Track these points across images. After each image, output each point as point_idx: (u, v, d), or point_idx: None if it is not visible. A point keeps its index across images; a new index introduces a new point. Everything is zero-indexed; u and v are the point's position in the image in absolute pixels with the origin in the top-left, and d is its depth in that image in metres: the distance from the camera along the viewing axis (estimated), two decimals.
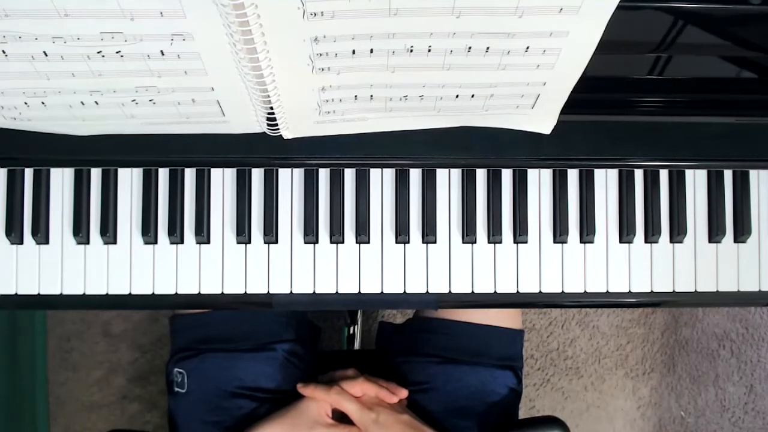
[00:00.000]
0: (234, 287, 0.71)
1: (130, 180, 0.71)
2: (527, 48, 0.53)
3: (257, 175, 0.71)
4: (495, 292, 0.72)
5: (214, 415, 0.83)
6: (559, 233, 0.72)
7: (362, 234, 0.71)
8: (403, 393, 0.83)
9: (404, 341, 0.92)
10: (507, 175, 0.73)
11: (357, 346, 1.27)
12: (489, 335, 0.87)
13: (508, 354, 0.88)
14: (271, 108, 0.58)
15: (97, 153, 0.65)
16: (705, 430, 1.58)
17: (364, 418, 0.78)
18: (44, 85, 0.55)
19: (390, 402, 0.81)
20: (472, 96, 0.59)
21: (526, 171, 0.72)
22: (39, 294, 0.70)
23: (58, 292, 0.70)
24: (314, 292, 0.71)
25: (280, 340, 0.85)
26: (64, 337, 1.47)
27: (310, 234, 0.71)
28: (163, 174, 0.71)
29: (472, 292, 0.72)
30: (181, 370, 0.84)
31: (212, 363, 0.83)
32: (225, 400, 0.83)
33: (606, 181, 0.73)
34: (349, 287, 0.71)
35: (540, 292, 0.73)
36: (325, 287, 0.71)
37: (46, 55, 0.51)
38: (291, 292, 0.71)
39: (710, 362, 1.58)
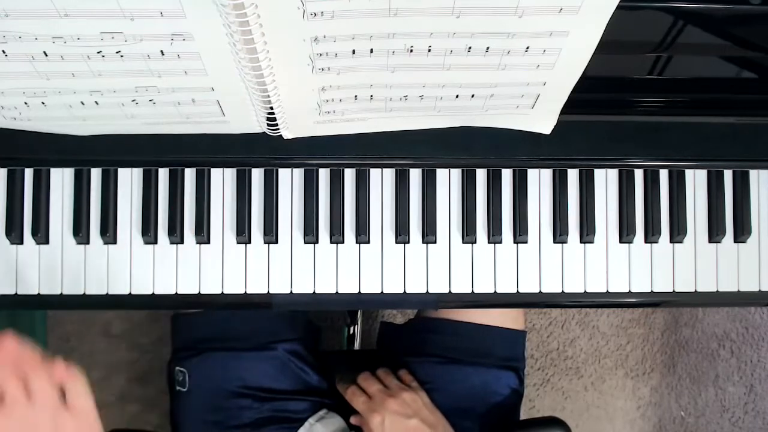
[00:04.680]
0: (234, 287, 0.71)
1: (130, 180, 0.71)
2: (527, 48, 0.53)
3: (257, 175, 0.71)
4: (495, 292, 0.72)
5: (215, 415, 0.83)
6: (559, 233, 0.72)
7: (362, 234, 0.71)
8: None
9: (406, 341, 0.92)
10: (507, 175, 0.73)
11: (357, 346, 1.27)
12: (491, 336, 0.87)
13: (510, 355, 0.88)
14: (271, 108, 0.58)
15: (97, 153, 0.65)
16: (705, 430, 1.58)
17: (371, 420, 0.78)
18: (44, 85, 0.55)
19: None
20: (472, 96, 0.59)
21: (526, 171, 0.72)
22: (39, 294, 0.70)
23: (58, 292, 0.70)
24: (314, 292, 0.71)
25: (280, 339, 0.85)
26: (64, 337, 1.47)
27: (310, 234, 0.71)
28: (163, 174, 0.71)
29: (472, 292, 0.72)
30: (182, 369, 0.84)
31: (213, 362, 0.83)
32: (226, 400, 0.83)
33: (606, 181, 0.73)
34: (349, 287, 0.71)
35: (540, 292, 0.73)
36: (325, 287, 0.71)
37: (46, 55, 0.51)
38: (291, 292, 0.71)
39: (710, 362, 1.58)
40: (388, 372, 0.85)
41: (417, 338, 0.90)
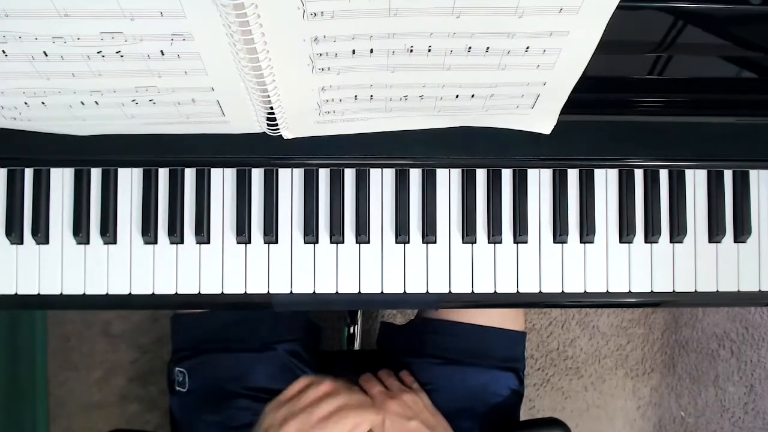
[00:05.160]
0: (234, 287, 0.71)
1: (130, 180, 0.71)
2: (527, 48, 0.53)
3: (257, 175, 0.71)
4: (495, 292, 0.72)
5: (214, 415, 0.83)
6: (559, 233, 0.72)
7: (362, 234, 0.71)
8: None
9: (406, 342, 0.92)
10: (507, 175, 0.73)
11: (357, 346, 1.27)
12: (491, 337, 0.87)
13: (510, 356, 0.88)
14: (271, 108, 0.58)
15: (97, 153, 0.65)
16: (705, 430, 1.58)
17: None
18: (44, 85, 0.55)
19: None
20: (472, 96, 0.59)
21: (526, 171, 0.72)
22: (39, 294, 0.70)
23: (58, 292, 0.70)
24: (314, 292, 0.71)
25: (280, 339, 0.85)
26: (64, 337, 1.47)
27: (310, 234, 0.71)
28: (163, 174, 0.71)
29: (472, 292, 0.72)
30: (182, 369, 0.84)
31: (213, 362, 0.83)
32: (225, 400, 0.83)
33: (606, 181, 0.73)
34: (349, 287, 0.71)
35: (540, 292, 0.73)
36: (325, 287, 0.71)
37: (46, 55, 0.51)
38: (291, 292, 0.71)
39: (710, 362, 1.58)
40: (389, 373, 0.85)
41: (416, 339, 0.90)
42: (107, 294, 0.71)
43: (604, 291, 0.73)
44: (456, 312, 0.87)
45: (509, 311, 0.89)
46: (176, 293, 0.71)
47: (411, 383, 0.84)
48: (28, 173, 0.71)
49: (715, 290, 0.74)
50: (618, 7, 0.48)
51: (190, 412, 0.85)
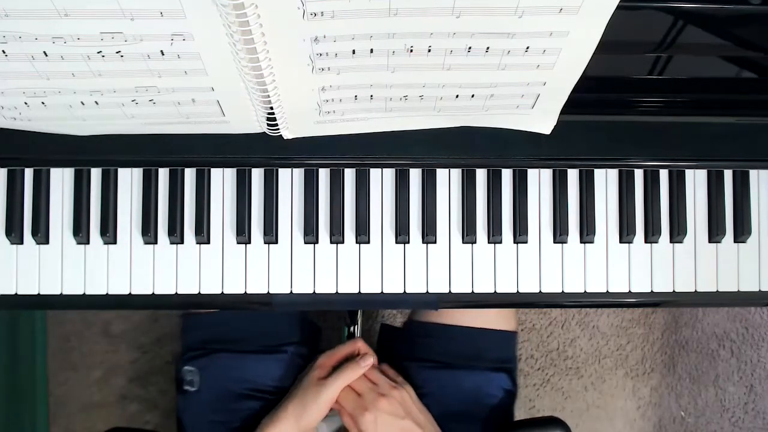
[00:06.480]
0: (234, 287, 0.71)
1: (130, 180, 0.71)
2: (527, 48, 0.53)
3: (257, 175, 0.72)
4: (495, 292, 0.72)
5: (221, 415, 0.83)
6: (559, 233, 0.72)
7: (362, 234, 0.71)
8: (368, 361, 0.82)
9: (401, 345, 0.92)
10: (507, 175, 0.73)
11: None
12: (482, 338, 0.87)
13: (502, 356, 0.87)
14: (271, 108, 0.58)
15: (97, 153, 0.65)
16: (705, 430, 1.58)
17: (361, 417, 0.77)
18: (44, 85, 0.55)
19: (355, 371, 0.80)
20: (472, 96, 0.59)
21: (526, 171, 0.73)
22: (39, 294, 0.70)
23: (58, 292, 0.70)
24: (314, 292, 0.71)
25: (289, 342, 0.85)
26: (64, 337, 1.47)
27: (310, 234, 0.71)
28: (163, 174, 0.71)
29: (472, 292, 0.72)
30: (192, 369, 0.84)
31: (223, 363, 0.83)
32: (233, 401, 0.83)
33: (606, 181, 0.73)
34: (349, 287, 0.71)
35: (540, 292, 0.73)
36: (325, 287, 0.71)
37: (46, 55, 0.51)
38: (291, 292, 0.71)
39: (710, 362, 1.58)
40: (372, 369, 0.84)
41: (409, 343, 0.90)
42: (107, 294, 0.71)
43: (604, 291, 0.73)
44: (447, 314, 0.87)
45: (501, 311, 0.88)
46: (176, 293, 0.71)
47: (395, 376, 0.83)
48: (28, 173, 0.71)
49: (715, 290, 0.74)
50: (618, 7, 0.48)
51: (198, 412, 0.84)
